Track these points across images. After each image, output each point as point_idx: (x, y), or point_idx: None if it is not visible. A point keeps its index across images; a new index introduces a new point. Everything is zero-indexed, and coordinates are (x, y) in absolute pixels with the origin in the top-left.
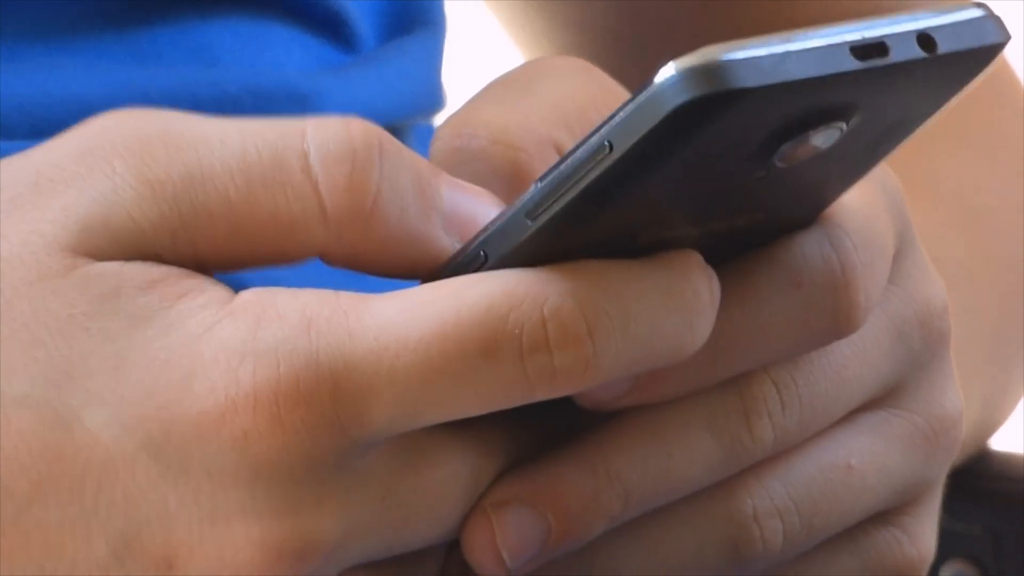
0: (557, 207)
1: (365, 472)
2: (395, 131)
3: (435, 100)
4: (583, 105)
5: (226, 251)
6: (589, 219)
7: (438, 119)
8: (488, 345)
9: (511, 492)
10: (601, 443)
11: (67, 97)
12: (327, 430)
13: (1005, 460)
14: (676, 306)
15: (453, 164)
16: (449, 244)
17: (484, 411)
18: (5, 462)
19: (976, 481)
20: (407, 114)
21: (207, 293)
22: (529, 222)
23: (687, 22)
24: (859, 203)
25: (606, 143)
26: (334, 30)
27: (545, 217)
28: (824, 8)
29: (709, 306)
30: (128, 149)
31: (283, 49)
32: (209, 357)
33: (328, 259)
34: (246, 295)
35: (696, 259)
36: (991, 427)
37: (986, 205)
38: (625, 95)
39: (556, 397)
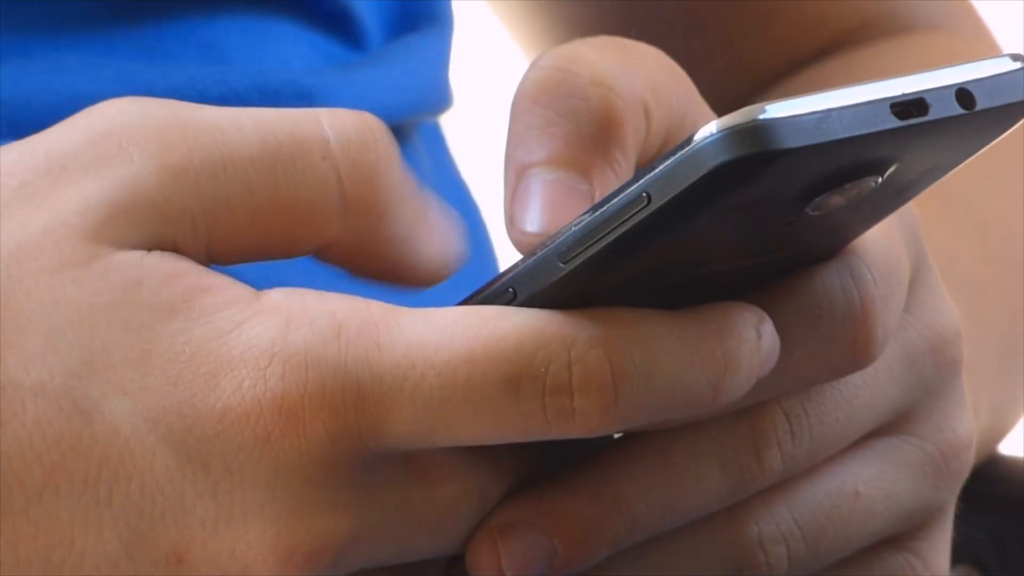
0: (590, 252)
1: (379, 482)
2: (401, 129)
3: (442, 98)
4: (667, 82)
5: (239, 241)
6: (621, 265)
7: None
8: (512, 379)
9: (518, 514)
10: (609, 469)
11: (74, 95)
12: (346, 437)
13: (1010, 465)
14: (703, 364)
15: (550, 95)
16: (431, 255)
17: (498, 441)
18: (19, 451)
19: (980, 486)
20: (414, 112)
21: (232, 290)
22: (561, 264)
23: (687, 22)
24: (878, 235)
25: (644, 194)
26: (341, 27)
27: (578, 261)
28: (827, 8)
29: (744, 365)
30: (144, 134)
31: (290, 46)
32: (237, 355)
33: (330, 253)
34: (274, 295)
35: (739, 318)
36: (1000, 435)
37: (994, 213)
38: (690, 84)
39: (570, 438)
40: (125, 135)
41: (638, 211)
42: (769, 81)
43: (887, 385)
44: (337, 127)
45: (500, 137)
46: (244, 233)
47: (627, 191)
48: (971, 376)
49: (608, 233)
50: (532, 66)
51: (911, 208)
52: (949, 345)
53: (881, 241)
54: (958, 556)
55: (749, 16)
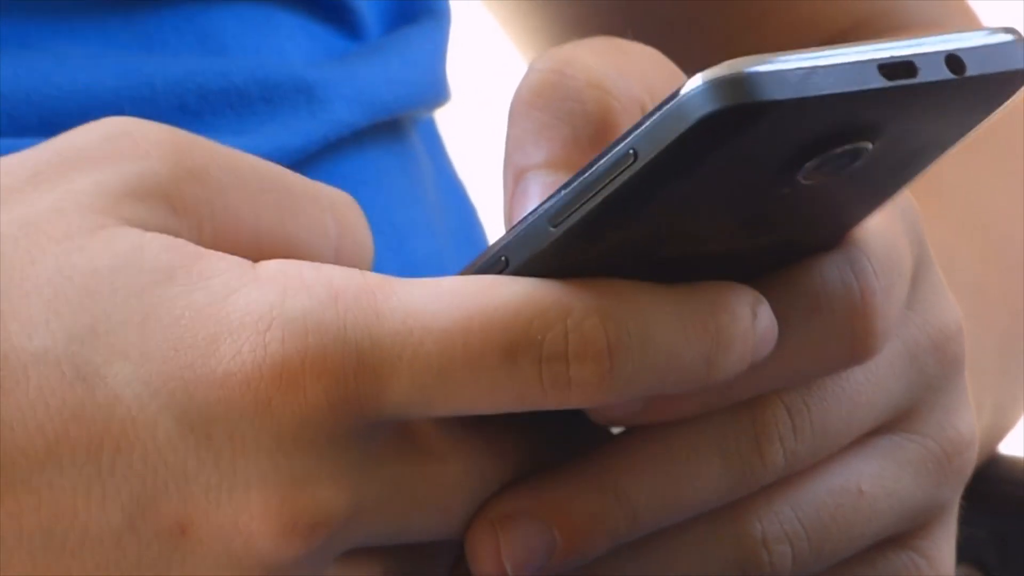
0: (580, 214)
1: (378, 455)
2: (399, 124)
3: (439, 92)
4: (663, 80)
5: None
6: (612, 228)
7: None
8: (509, 346)
9: (518, 505)
10: (611, 462)
11: (75, 89)
12: (346, 404)
13: (1011, 464)
14: (697, 339)
15: (547, 97)
16: None
17: (495, 410)
18: (21, 420)
19: (981, 485)
20: (411, 105)
21: (228, 259)
22: (552, 228)
23: (684, 21)
24: (879, 227)
25: (631, 151)
26: (340, 18)
27: (568, 224)
28: (821, 8)
29: (738, 343)
30: (162, 138)
31: (289, 36)
32: (236, 319)
33: None
34: (269, 265)
35: (733, 296)
36: (1001, 434)
37: (994, 212)
38: None
39: (567, 408)
40: (142, 137)
41: (625, 168)
42: None
43: (889, 382)
44: (337, 195)
45: (494, 135)
46: (242, 254)
47: (614, 150)
48: (972, 375)
49: (596, 193)
50: (528, 69)
51: (913, 203)
52: (951, 342)
53: (882, 233)
54: (959, 556)
55: (743, 15)
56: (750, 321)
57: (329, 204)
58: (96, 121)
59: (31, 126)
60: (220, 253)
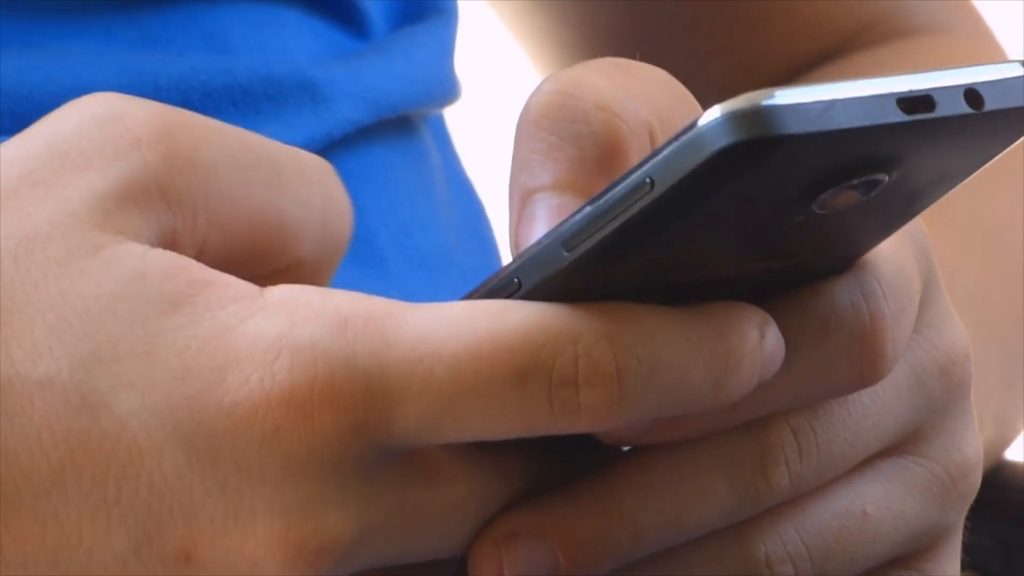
0: (595, 240)
1: (386, 479)
2: (409, 120)
3: (448, 90)
4: (670, 102)
5: (229, 243)
6: (626, 254)
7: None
8: (520, 372)
9: (522, 523)
10: (615, 482)
11: (78, 86)
12: (354, 432)
13: (1015, 471)
14: (706, 362)
15: (554, 119)
16: None
17: (505, 436)
18: (26, 447)
19: (985, 492)
20: (419, 103)
21: (235, 286)
22: (565, 252)
23: (688, 22)
24: (890, 251)
25: (648, 179)
26: (345, 16)
27: (582, 249)
28: (826, 11)
29: (746, 365)
30: (151, 121)
31: (293, 35)
32: (244, 349)
33: (288, 276)
34: (277, 291)
35: (741, 317)
36: (1004, 445)
37: (996, 222)
38: (695, 104)
39: (575, 432)
40: (129, 119)
41: (641, 197)
42: (772, 84)
43: (895, 405)
44: (320, 163)
45: (500, 135)
46: (236, 234)
47: (631, 177)
48: (975, 387)
49: (612, 220)
50: (536, 90)
51: (922, 227)
52: (958, 366)
53: (893, 257)
54: (963, 563)
55: (748, 17)
56: (758, 342)
57: (315, 175)
58: (83, 99)
59: (32, 121)
60: (227, 277)
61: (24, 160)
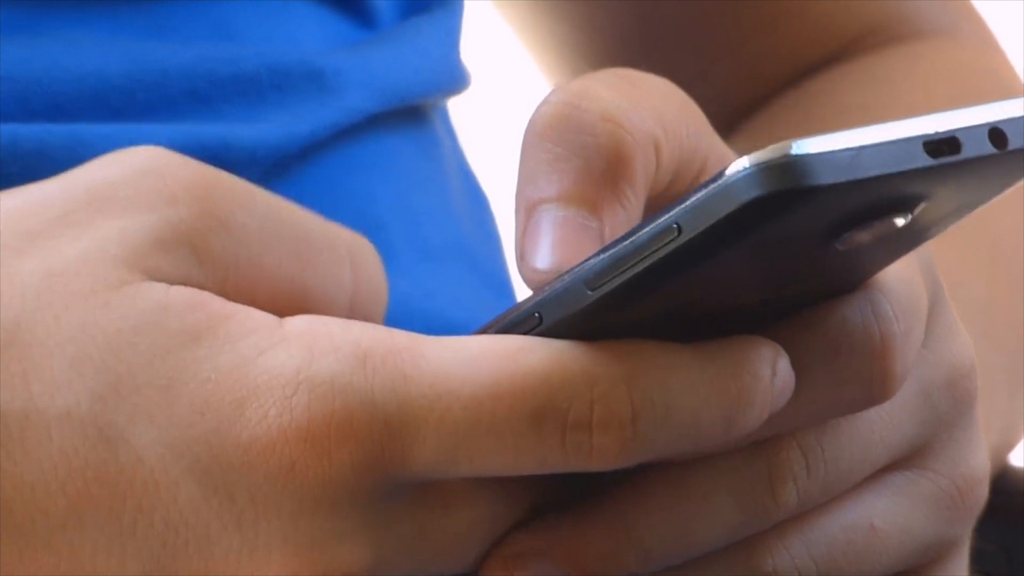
0: (619, 281)
1: (398, 510)
2: (420, 110)
3: (456, 79)
4: (677, 116)
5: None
6: (648, 296)
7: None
8: (536, 413)
9: (531, 544)
10: (623, 502)
11: (85, 73)
12: (371, 467)
13: (1019, 476)
14: (719, 400)
15: (559, 131)
16: None
17: (517, 473)
18: (43, 480)
19: (990, 497)
20: (426, 92)
21: (255, 318)
22: (589, 292)
23: (694, 23)
24: (898, 270)
25: (675, 225)
26: (352, 7)
27: (605, 289)
28: (832, 13)
29: (758, 402)
30: (189, 179)
31: (300, 24)
32: (263, 383)
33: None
34: (297, 322)
35: (754, 355)
36: (1008, 451)
37: (1002, 231)
38: (702, 117)
39: (586, 471)
40: (170, 176)
41: (668, 242)
42: (776, 87)
43: (902, 420)
44: (356, 242)
45: (502, 129)
46: (258, 302)
47: (658, 221)
48: (981, 395)
49: (638, 263)
50: (542, 102)
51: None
52: (964, 379)
53: (901, 276)
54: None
55: (754, 20)
56: (770, 379)
57: (347, 251)
58: (126, 151)
59: (40, 110)
60: (247, 309)
61: (64, 201)
